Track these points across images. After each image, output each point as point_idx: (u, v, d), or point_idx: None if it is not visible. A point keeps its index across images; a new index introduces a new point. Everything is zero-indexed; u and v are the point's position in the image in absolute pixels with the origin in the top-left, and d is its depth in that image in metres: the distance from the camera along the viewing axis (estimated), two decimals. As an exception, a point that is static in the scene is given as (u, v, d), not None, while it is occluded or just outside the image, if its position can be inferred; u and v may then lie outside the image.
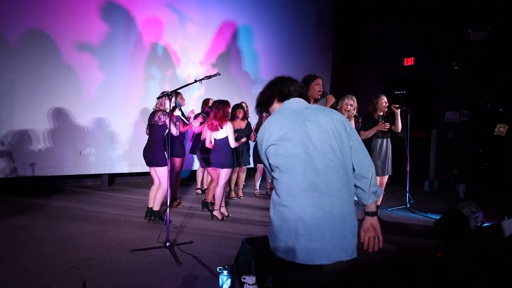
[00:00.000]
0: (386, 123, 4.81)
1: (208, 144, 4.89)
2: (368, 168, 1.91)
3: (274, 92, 2.05)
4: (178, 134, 4.53)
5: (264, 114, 6.42)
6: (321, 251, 1.74)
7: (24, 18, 5.65)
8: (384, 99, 4.91)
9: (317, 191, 1.78)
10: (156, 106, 4.58)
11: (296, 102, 1.99)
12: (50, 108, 5.92)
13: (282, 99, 2.02)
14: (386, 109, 4.94)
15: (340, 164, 1.83)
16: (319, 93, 4.01)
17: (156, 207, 4.58)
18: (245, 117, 5.89)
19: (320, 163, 1.80)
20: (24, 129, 5.74)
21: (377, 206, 5.03)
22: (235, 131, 5.20)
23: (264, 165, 2.00)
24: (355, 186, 1.92)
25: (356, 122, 4.55)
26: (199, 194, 6.30)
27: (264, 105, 2.10)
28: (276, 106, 2.04)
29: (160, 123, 4.45)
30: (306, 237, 1.75)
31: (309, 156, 1.81)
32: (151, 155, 4.49)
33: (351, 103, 4.39)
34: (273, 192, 1.91)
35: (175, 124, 4.43)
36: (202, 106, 6.17)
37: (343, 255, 1.77)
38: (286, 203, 1.80)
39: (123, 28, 6.54)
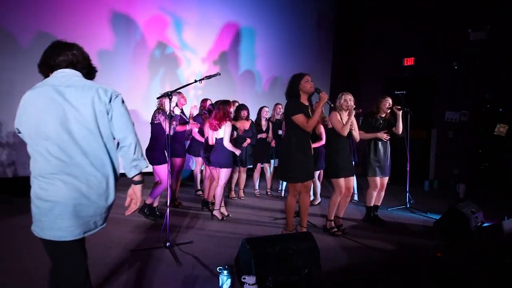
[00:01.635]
0: (387, 135, 4.84)
1: (211, 142, 4.90)
2: (127, 138, 1.93)
3: (46, 62, 1.93)
4: (172, 133, 4.47)
5: (264, 108, 6.37)
6: (72, 227, 1.87)
7: (24, 18, 5.65)
8: (388, 100, 4.91)
9: (71, 177, 1.79)
10: (157, 106, 4.61)
11: (60, 77, 1.87)
12: (50, 108, 5.91)
13: (51, 70, 1.91)
14: (389, 111, 4.95)
15: (99, 147, 1.85)
16: (311, 88, 4.01)
17: (148, 200, 4.58)
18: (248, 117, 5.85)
19: (73, 151, 1.80)
20: (24, 129, 5.73)
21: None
22: (235, 130, 5.22)
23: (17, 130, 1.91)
24: (120, 156, 1.95)
25: (357, 113, 4.57)
26: (200, 195, 6.07)
27: (42, 74, 1.98)
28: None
29: (155, 121, 4.48)
30: (61, 219, 1.83)
31: (63, 145, 1.79)
32: (147, 153, 4.48)
33: (348, 98, 4.39)
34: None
35: (170, 123, 4.40)
36: (201, 106, 6.14)
37: (92, 228, 1.98)
38: (42, 187, 1.79)
39: (124, 29, 6.54)
